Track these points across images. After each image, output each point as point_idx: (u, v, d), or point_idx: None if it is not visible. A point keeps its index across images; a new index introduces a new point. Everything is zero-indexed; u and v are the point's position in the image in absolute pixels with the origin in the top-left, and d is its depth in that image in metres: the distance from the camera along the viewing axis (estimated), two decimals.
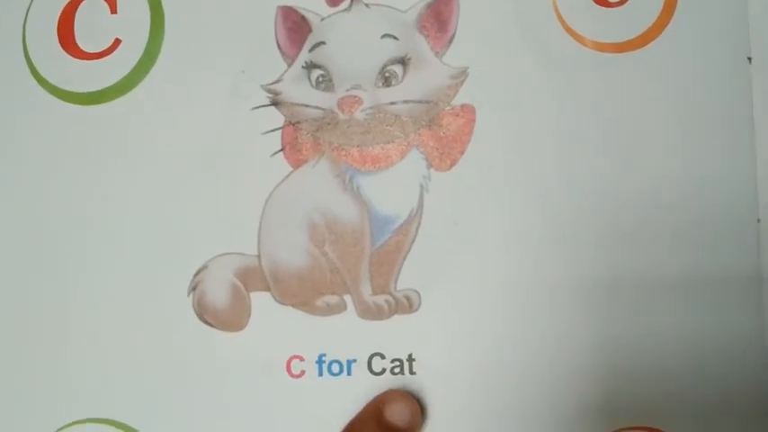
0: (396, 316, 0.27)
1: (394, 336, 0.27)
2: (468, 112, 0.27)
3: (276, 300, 0.27)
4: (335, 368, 0.27)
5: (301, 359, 0.27)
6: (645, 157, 0.26)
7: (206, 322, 0.28)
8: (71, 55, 0.30)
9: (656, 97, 0.26)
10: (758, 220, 0.26)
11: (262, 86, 0.28)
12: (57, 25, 0.30)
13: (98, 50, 0.29)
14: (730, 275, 0.25)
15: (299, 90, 0.28)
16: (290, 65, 0.28)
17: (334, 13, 0.28)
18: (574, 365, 0.26)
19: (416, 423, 0.25)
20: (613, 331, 0.26)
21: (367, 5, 0.28)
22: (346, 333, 0.27)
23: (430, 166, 0.27)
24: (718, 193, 0.26)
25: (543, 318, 0.26)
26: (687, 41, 0.26)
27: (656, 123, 0.26)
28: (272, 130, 0.28)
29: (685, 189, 0.26)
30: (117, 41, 0.29)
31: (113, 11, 0.29)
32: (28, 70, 0.30)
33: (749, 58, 0.26)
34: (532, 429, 0.26)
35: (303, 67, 0.28)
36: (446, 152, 0.27)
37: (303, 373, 0.27)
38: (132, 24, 0.29)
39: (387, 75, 0.27)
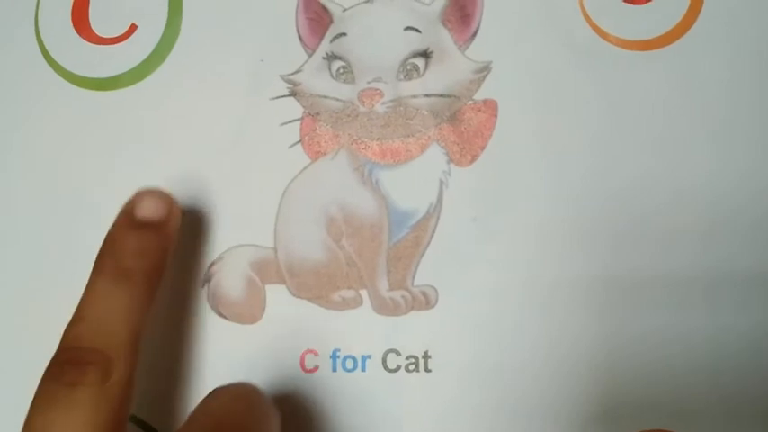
0: (412, 312, 0.27)
1: (410, 332, 0.26)
2: (490, 107, 0.27)
3: (291, 293, 0.27)
4: (350, 364, 0.27)
5: (315, 354, 0.27)
6: (669, 154, 0.26)
7: (220, 314, 0.27)
8: (86, 39, 0.29)
9: (681, 95, 0.26)
10: None
11: (281, 76, 0.28)
12: (71, 9, 0.29)
13: (114, 35, 0.29)
14: (757, 275, 0.25)
15: (318, 81, 0.28)
16: (310, 55, 0.28)
17: (356, 5, 0.28)
18: (594, 365, 0.25)
19: (173, 213, 0.24)
20: (635, 331, 0.25)
21: None
22: (362, 328, 0.27)
23: (450, 161, 0.27)
24: (742, 191, 0.25)
25: (562, 316, 0.26)
26: (713, 40, 0.26)
27: (680, 122, 0.26)
28: (291, 121, 0.28)
29: (709, 187, 0.26)
30: (133, 26, 0.29)
31: None
32: (41, 54, 0.29)
33: None
34: (550, 428, 0.25)
35: (324, 58, 0.28)
36: (467, 147, 0.27)
37: (317, 367, 0.27)
38: (149, 9, 0.29)
39: (408, 68, 0.27)
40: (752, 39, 0.26)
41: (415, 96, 0.27)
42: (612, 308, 0.26)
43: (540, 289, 0.26)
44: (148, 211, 0.24)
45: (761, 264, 0.25)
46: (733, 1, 0.26)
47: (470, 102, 0.27)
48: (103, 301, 0.22)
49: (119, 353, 0.21)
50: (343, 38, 0.28)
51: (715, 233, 0.25)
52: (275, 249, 0.27)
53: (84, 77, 0.29)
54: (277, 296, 0.27)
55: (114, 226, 0.24)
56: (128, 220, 0.24)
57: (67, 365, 0.21)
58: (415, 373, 0.26)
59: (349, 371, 0.27)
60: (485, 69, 0.27)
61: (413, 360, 0.26)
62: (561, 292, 0.26)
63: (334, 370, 0.27)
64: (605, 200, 0.26)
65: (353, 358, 0.27)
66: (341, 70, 0.27)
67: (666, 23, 0.26)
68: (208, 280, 0.27)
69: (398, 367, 0.26)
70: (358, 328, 0.27)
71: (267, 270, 0.27)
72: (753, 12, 0.26)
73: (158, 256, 0.24)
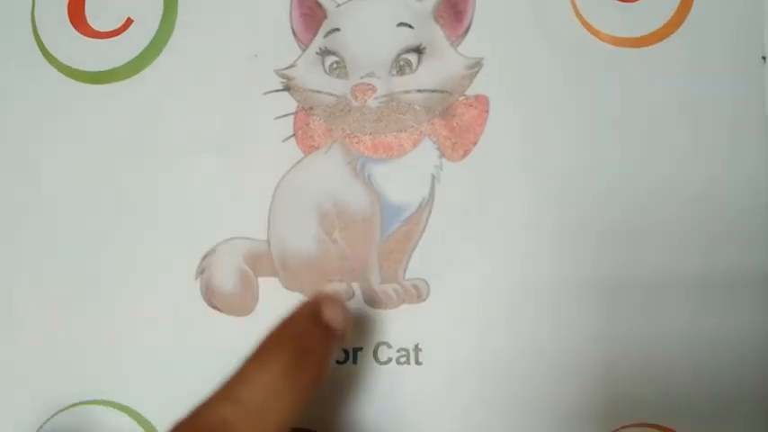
0: (403, 305, 0.27)
1: (401, 325, 0.27)
2: (481, 102, 0.27)
3: (284, 286, 0.27)
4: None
5: None
6: (657, 153, 0.26)
7: (213, 306, 0.27)
8: (81, 33, 0.29)
9: (670, 93, 0.26)
10: None
11: (275, 71, 0.28)
12: (67, 3, 0.30)
13: (109, 29, 0.29)
14: (743, 274, 0.25)
15: (312, 76, 0.28)
16: (303, 50, 0.28)
17: (349, 0, 0.28)
18: (583, 360, 0.26)
19: (347, 330, 0.23)
20: (625, 328, 0.26)
21: None
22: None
23: (442, 155, 0.27)
24: (731, 191, 0.26)
25: (553, 309, 0.26)
26: (702, 39, 0.26)
27: (669, 120, 0.26)
28: (285, 116, 0.28)
29: (697, 187, 0.26)
30: (129, 21, 0.29)
31: None
32: (37, 48, 0.30)
33: (764, 58, 0.26)
34: (539, 422, 0.26)
35: (317, 53, 0.28)
36: (459, 142, 0.27)
37: None
38: (145, 4, 0.29)
39: (401, 63, 0.27)
40: (742, 36, 0.26)
41: (407, 91, 0.27)
42: (604, 301, 0.26)
43: (531, 282, 0.26)
44: (335, 319, 0.22)
45: (747, 263, 0.25)
46: None
47: (462, 97, 0.27)
48: (268, 390, 0.20)
49: None
50: (336, 33, 0.28)
51: (703, 232, 0.26)
52: (268, 242, 0.27)
53: (80, 71, 0.29)
54: (270, 289, 0.27)
55: (300, 315, 0.23)
56: (315, 315, 0.22)
57: None
58: (405, 365, 0.27)
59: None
60: (476, 65, 0.27)
61: (404, 353, 0.27)
62: (552, 285, 0.26)
63: None
64: (595, 195, 0.26)
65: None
66: (334, 65, 0.28)
67: (657, 21, 0.27)
68: (201, 272, 0.28)
69: (389, 360, 0.27)
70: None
71: (260, 263, 0.27)
72: (743, 8, 0.27)
73: (329, 362, 0.23)
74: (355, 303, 0.27)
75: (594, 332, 0.26)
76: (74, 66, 0.29)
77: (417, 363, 0.27)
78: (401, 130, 0.27)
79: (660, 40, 0.26)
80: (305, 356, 0.21)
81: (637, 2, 0.27)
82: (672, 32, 0.26)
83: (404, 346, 0.27)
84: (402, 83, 0.27)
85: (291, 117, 0.28)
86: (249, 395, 0.20)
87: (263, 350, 0.21)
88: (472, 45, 0.27)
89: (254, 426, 0.19)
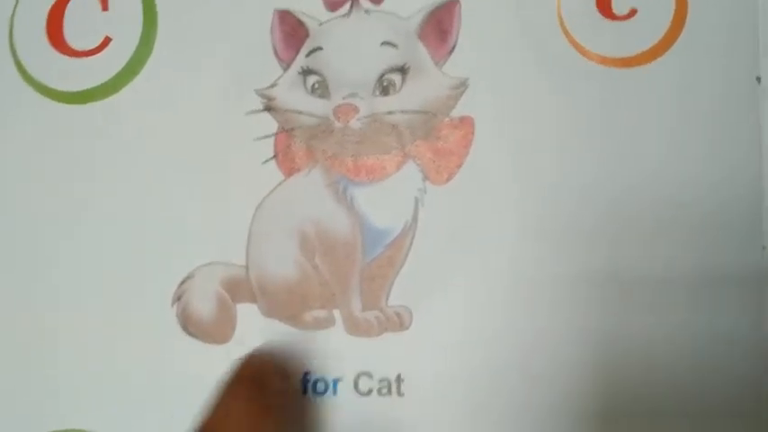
0: (386, 333, 0.26)
1: (383, 354, 0.26)
2: (466, 123, 0.26)
3: (263, 313, 0.26)
4: (320, 387, 0.26)
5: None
6: (647, 175, 0.25)
7: (190, 333, 0.27)
8: (60, 52, 0.29)
9: (661, 114, 0.25)
10: (763, 248, 0.25)
11: (256, 91, 0.27)
12: (46, 21, 0.29)
13: (88, 48, 0.29)
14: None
15: (293, 96, 0.27)
16: (285, 70, 0.27)
17: (332, 19, 0.27)
18: (569, 391, 0.25)
19: None
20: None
21: (367, 12, 0.27)
22: (333, 350, 0.26)
23: (426, 178, 0.26)
24: (720, 198, 0.25)
25: (540, 339, 0.25)
26: (695, 59, 0.26)
27: (660, 140, 0.25)
28: (265, 137, 0.27)
29: (690, 201, 0.25)
30: (107, 39, 0.29)
31: (105, 8, 0.29)
32: (14, 67, 0.29)
33: (758, 78, 0.25)
34: None
35: (299, 72, 0.27)
36: (443, 165, 0.26)
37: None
38: (124, 23, 0.28)
39: (385, 83, 0.26)
40: (735, 56, 0.26)
41: (391, 112, 0.26)
42: (590, 335, 0.25)
43: (516, 311, 0.25)
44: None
45: (742, 266, 0.24)
46: (716, 18, 0.26)
47: (447, 118, 0.26)
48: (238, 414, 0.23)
49: None
50: (318, 52, 0.27)
51: (692, 236, 0.25)
52: (247, 267, 0.27)
53: (58, 90, 0.29)
54: (248, 316, 0.26)
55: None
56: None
57: None
58: (387, 396, 0.26)
59: (319, 394, 0.26)
60: (462, 85, 0.26)
61: (385, 383, 0.26)
62: (538, 313, 0.25)
63: (305, 393, 0.26)
64: (584, 218, 0.25)
65: (324, 381, 0.26)
66: (316, 85, 0.27)
67: (648, 40, 0.26)
68: (178, 298, 0.27)
69: (370, 391, 0.26)
70: (330, 350, 0.26)
71: (238, 288, 0.27)
72: (737, 28, 0.26)
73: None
74: (336, 331, 0.26)
75: (582, 364, 0.25)
76: (51, 85, 0.29)
77: (399, 394, 0.25)
78: (384, 152, 0.26)
79: (651, 60, 0.26)
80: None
81: (627, 20, 0.26)
82: (663, 52, 0.26)
83: (385, 377, 0.26)
84: (385, 103, 0.26)
85: (272, 138, 0.27)
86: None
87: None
88: (457, 65, 0.26)
89: None
